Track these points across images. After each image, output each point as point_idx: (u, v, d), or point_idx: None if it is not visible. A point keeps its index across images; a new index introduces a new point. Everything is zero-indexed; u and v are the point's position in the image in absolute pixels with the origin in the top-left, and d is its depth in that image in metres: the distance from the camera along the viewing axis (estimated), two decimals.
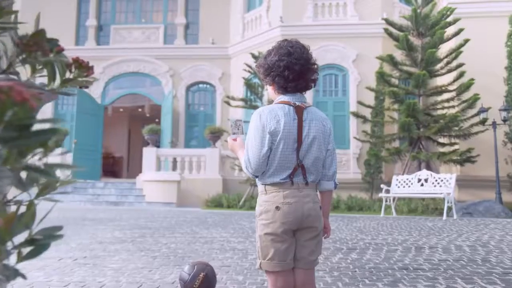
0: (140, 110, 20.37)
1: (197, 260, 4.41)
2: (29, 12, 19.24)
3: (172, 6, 18.25)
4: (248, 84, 13.87)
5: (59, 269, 4.17)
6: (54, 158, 14.35)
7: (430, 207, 10.90)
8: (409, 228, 7.47)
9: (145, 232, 6.87)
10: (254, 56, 13.85)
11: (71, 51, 17.68)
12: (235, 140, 2.23)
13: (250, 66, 13.87)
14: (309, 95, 14.19)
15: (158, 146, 15.48)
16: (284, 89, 2.13)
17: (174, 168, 14.67)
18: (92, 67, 0.95)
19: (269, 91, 2.24)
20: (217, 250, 5.20)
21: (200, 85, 17.63)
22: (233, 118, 2.22)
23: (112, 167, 21.48)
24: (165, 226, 7.70)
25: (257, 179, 2.13)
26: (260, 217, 2.08)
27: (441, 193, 9.88)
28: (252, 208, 12.26)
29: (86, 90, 17.17)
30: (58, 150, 0.79)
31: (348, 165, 14.13)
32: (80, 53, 17.58)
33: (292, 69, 2.08)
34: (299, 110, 2.09)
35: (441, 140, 12.81)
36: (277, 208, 2.03)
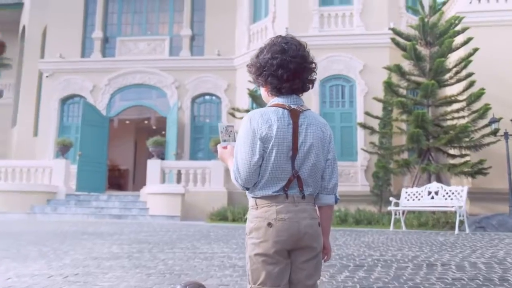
0: (146, 122, 20.25)
1: (192, 279, 4.15)
2: (37, 24, 19.39)
3: (178, 18, 18.21)
4: (253, 96, 13.71)
5: (47, 287, 3.94)
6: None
7: (441, 220, 10.54)
8: (419, 243, 7.14)
9: (143, 247, 6.62)
10: None
11: (77, 63, 17.68)
12: (225, 148, 2.00)
13: None
14: (315, 105, 13.98)
15: (162, 158, 15.29)
16: (278, 90, 1.90)
17: (178, 180, 14.46)
18: (3, 44, 0.72)
19: (262, 93, 2.02)
20: (216, 267, 4.94)
21: (206, 97, 17.49)
22: (223, 124, 1.97)
23: (118, 180, 21.33)
24: (165, 241, 7.45)
25: (247, 192, 1.89)
26: (250, 235, 1.84)
27: (453, 206, 9.54)
28: None
29: (91, 101, 17.11)
30: None
31: (356, 178, 13.81)
32: (86, 65, 17.60)
33: (286, 67, 1.85)
34: (294, 114, 1.86)
35: (451, 151, 12.48)
36: (269, 225, 1.79)
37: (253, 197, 1.86)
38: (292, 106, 1.88)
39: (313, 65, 1.94)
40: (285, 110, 1.86)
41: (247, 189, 1.87)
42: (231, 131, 2.02)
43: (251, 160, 1.80)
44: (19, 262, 5.22)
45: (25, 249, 6.32)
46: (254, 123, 1.82)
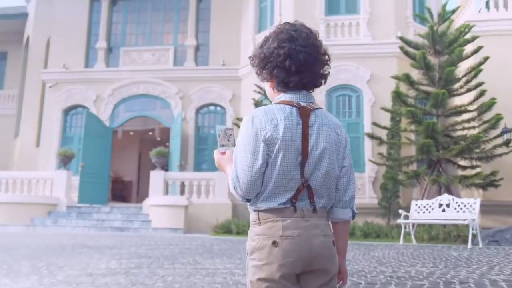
0: (150, 133, 20.05)
1: None
2: (41, 35, 19.31)
3: (182, 28, 18.07)
4: (258, 106, 13.46)
5: None
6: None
7: (452, 234, 10.16)
8: (433, 258, 6.79)
9: (143, 262, 6.32)
10: None
11: (80, 73, 17.55)
12: (223, 153, 1.71)
13: (260, 87, 13.48)
14: None
15: (166, 170, 15.02)
16: (285, 85, 1.62)
17: (182, 192, 14.17)
18: None
19: (266, 90, 1.74)
20: (219, 284, 4.63)
21: (210, 107, 17.27)
22: (221, 126, 1.67)
23: (121, 191, 21.07)
24: (166, 255, 7.14)
25: (248, 205, 1.61)
26: (252, 256, 1.55)
27: (465, 219, 9.18)
28: None
29: (94, 112, 16.93)
30: None
31: (364, 189, 13.46)
32: (90, 75, 17.47)
33: (295, 58, 1.58)
34: (304, 113, 1.58)
35: (461, 162, 12.13)
36: (275, 243, 1.50)
37: (255, 211, 1.58)
38: (302, 103, 1.60)
39: (326, 57, 1.67)
40: (293, 108, 1.58)
41: (248, 200, 1.59)
42: (231, 135, 1.74)
43: (253, 166, 1.52)
44: (10, 278, 4.94)
45: (18, 263, 6.04)
46: (256, 122, 1.55)
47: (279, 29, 1.64)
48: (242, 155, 1.54)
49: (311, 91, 1.67)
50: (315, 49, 1.62)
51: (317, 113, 1.61)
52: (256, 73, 1.69)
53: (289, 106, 1.58)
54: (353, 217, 1.66)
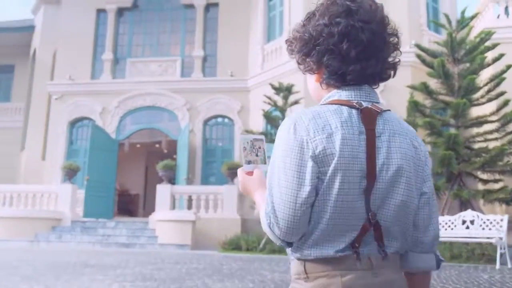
0: (157, 146, 19.64)
1: None
2: (47, 47, 19.08)
3: (189, 39, 17.74)
4: (268, 117, 12.99)
5: None
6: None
7: (476, 252, 9.55)
8: (463, 282, 6.22)
9: (147, 285, 5.82)
10: (274, 88, 13.03)
11: (86, 85, 17.24)
12: (250, 173, 1.23)
13: (270, 98, 13.03)
14: None
15: (173, 183, 14.57)
16: (340, 78, 1.13)
17: (189, 206, 13.68)
18: None
19: (310, 85, 1.25)
20: None
21: (218, 119, 16.85)
22: (247, 136, 1.16)
23: (127, 205, 20.65)
24: (173, 277, 6.63)
25: (289, 250, 1.12)
26: None
27: (492, 238, 8.58)
28: (274, 251, 11.05)
29: (100, 124, 16.58)
30: None
31: None
32: (96, 87, 17.15)
33: (355, 38, 1.09)
34: (369, 117, 1.09)
35: (482, 176, 11.54)
36: None
37: (300, 259, 1.08)
38: (364, 104, 1.12)
39: (396, 39, 1.20)
40: (353, 110, 1.10)
41: (289, 244, 1.10)
42: (260, 147, 1.26)
43: (297, 194, 1.03)
44: None
45: (15, 285, 5.57)
46: (301, 130, 1.06)
47: (330, 1, 1.16)
48: (281, 178, 1.06)
49: (374, 86, 1.20)
50: (383, 26, 1.14)
51: (385, 118, 1.13)
52: (297, 62, 1.21)
53: (346, 107, 1.10)
54: (438, 266, 1.16)
